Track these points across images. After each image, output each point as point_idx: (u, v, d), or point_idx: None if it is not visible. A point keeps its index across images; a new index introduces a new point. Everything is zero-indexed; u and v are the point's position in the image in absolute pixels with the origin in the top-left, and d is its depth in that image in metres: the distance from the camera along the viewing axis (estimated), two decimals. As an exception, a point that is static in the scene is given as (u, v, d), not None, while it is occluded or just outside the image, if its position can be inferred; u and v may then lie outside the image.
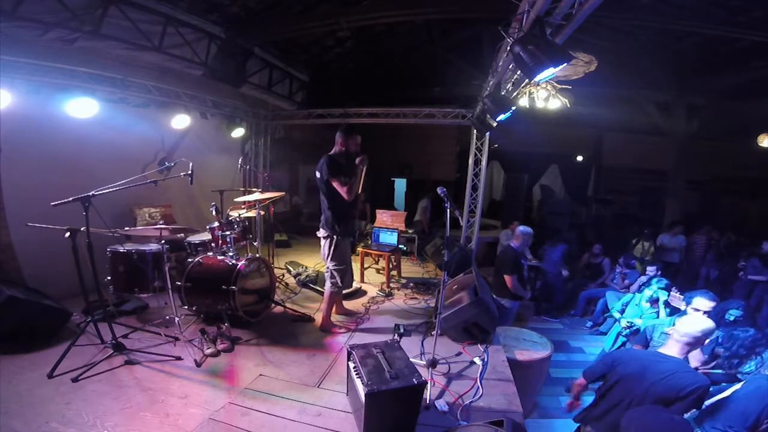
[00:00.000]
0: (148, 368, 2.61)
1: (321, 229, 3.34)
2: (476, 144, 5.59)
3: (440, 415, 2.27)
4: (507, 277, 4.16)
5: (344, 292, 4.16)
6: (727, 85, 6.42)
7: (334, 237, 3.27)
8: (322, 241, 3.36)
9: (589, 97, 6.50)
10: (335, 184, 3.11)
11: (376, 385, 1.89)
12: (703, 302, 2.97)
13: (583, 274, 6.70)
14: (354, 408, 2.21)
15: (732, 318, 3.50)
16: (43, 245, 3.17)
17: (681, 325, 2.19)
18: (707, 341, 2.27)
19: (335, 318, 3.63)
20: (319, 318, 3.64)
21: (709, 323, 2.19)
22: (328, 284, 3.38)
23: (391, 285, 4.71)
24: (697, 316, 2.44)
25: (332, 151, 3.27)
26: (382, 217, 6.20)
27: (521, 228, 4.38)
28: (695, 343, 2.16)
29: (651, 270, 5.51)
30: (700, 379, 1.96)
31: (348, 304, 3.95)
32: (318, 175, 3.21)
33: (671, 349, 2.20)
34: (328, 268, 3.36)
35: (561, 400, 4.01)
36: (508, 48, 2.47)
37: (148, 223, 4.45)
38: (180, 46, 4.19)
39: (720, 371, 2.88)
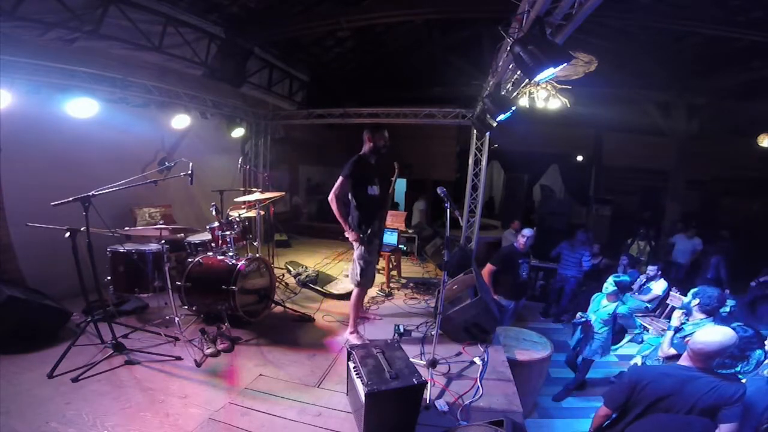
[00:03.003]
0: (148, 368, 2.61)
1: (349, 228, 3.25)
2: (476, 144, 5.59)
3: (440, 415, 2.27)
4: (488, 265, 4.16)
5: (343, 292, 4.17)
6: (727, 85, 6.42)
7: (360, 233, 3.15)
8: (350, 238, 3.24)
9: (589, 97, 6.49)
10: (337, 181, 3.03)
11: (376, 385, 1.89)
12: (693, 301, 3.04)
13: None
14: (354, 408, 2.21)
15: (728, 309, 3.45)
16: (43, 245, 3.17)
17: (698, 337, 2.03)
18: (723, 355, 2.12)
19: (336, 318, 3.65)
20: (319, 318, 3.65)
21: (726, 337, 2.00)
22: (353, 283, 3.22)
23: (391, 285, 4.71)
24: (714, 328, 2.21)
25: (363, 151, 3.21)
26: (382, 217, 6.19)
27: (527, 230, 4.33)
28: (711, 356, 1.98)
29: (651, 270, 5.51)
30: (741, 383, 1.94)
31: (348, 304, 3.94)
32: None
33: (690, 361, 2.03)
34: (354, 263, 3.19)
35: (561, 401, 4.02)
36: (508, 48, 2.47)
37: (148, 223, 4.45)
38: (180, 46, 4.20)
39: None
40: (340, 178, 3.03)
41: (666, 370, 2.12)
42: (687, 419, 1.80)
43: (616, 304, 3.76)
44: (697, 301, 2.97)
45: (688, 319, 3.03)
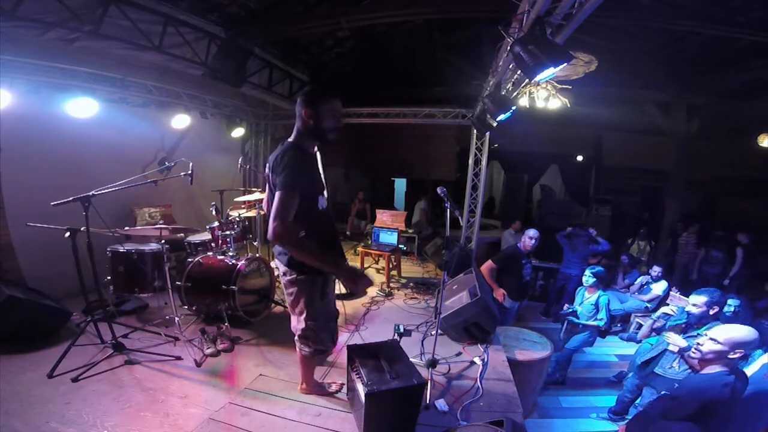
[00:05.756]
0: (148, 368, 2.61)
1: (282, 265, 2.05)
2: (476, 144, 5.59)
3: (440, 415, 2.27)
4: (489, 262, 4.16)
5: (342, 293, 3.80)
6: (727, 85, 6.41)
7: (307, 276, 2.01)
8: (288, 284, 2.08)
9: (589, 97, 6.49)
10: (279, 196, 1.77)
11: (376, 385, 1.89)
12: (695, 298, 2.95)
13: None
14: (354, 408, 2.21)
15: (732, 309, 3.45)
16: (43, 245, 3.17)
17: (722, 335, 1.99)
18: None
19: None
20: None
21: (748, 331, 1.99)
22: (299, 346, 2.21)
23: (391, 285, 4.71)
24: (734, 326, 2.15)
25: (293, 136, 2.04)
26: (382, 216, 6.20)
27: (532, 231, 4.29)
28: (735, 353, 1.97)
29: (655, 270, 5.50)
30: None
31: (347, 305, 3.93)
32: (272, 177, 1.94)
33: (721, 363, 1.99)
34: (298, 328, 2.15)
35: (561, 401, 4.02)
36: (508, 48, 2.47)
37: (148, 223, 4.45)
38: (180, 46, 4.19)
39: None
40: (282, 194, 1.77)
41: (719, 380, 1.99)
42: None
43: (596, 294, 3.91)
44: (704, 298, 2.93)
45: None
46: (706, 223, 7.34)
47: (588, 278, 3.97)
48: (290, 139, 2.04)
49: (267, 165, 2.06)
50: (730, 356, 1.95)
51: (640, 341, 3.64)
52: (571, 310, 4.08)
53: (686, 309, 3.03)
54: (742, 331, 2.00)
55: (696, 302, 2.93)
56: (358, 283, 1.92)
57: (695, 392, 2.00)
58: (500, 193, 11.85)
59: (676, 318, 3.15)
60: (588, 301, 3.92)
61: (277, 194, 1.78)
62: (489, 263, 4.17)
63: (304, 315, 2.08)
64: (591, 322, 3.89)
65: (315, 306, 2.07)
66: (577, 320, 3.99)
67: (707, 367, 2.05)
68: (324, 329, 2.14)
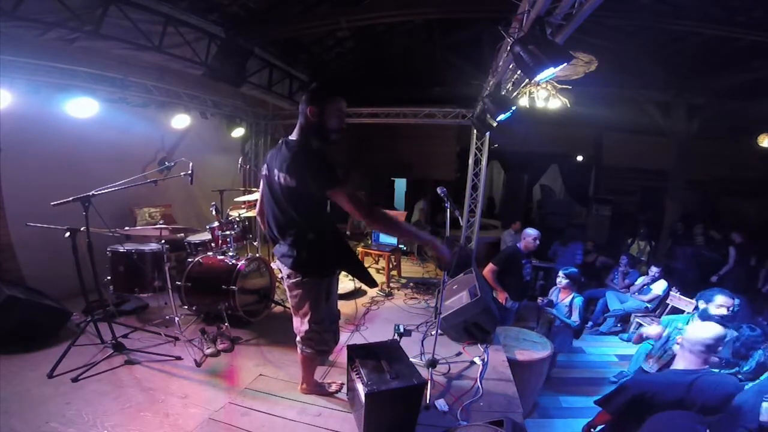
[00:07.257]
0: (148, 368, 2.61)
1: (286, 268, 2.02)
2: (476, 144, 5.59)
3: (440, 415, 2.27)
4: (490, 265, 4.16)
5: (343, 292, 3.97)
6: (727, 85, 6.41)
7: (312, 279, 2.01)
8: (292, 287, 2.06)
9: (589, 97, 6.49)
10: (341, 197, 1.79)
11: (376, 385, 1.89)
12: (722, 299, 2.93)
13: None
14: (354, 408, 2.21)
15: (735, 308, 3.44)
16: (43, 245, 3.17)
17: (691, 334, 2.07)
18: (720, 348, 2.16)
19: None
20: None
21: (719, 328, 2.08)
22: (300, 348, 2.21)
23: (391, 285, 4.70)
24: (704, 323, 2.27)
25: (298, 134, 1.94)
26: (382, 216, 6.19)
27: (533, 231, 4.30)
28: (709, 351, 2.03)
29: (655, 270, 5.50)
30: (734, 377, 2.01)
31: (347, 305, 3.94)
32: (281, 177, 1.85)
33: (688, 361, 2.05)
34: (302, 330, 2.14)
35: (561, 400, 4.02)
36: (508, 48, 2.47)
37: (148, 223, 4.45)
38: (180, 46, 4.19)
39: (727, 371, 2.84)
40: (339, 193, 1.80)
41: (669, 377, 2.08)
42: (693, 427, 1.79)
43: (571, 296, 3.93)
44: (727, 297, 2.91)
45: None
46: (707, 224, 7.35)
47: (561, 279, 3.97)
48: (293, 137, 1.96)
49: (266, 164, 2.03)
50: (690, 353, 2.01)
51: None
52: (547, 300, 4.08)
53: (711, 312, 2.98)
54: (702, 330, 2.05)
55: (722, 303, 2.91)
56: (448, 253, 2.06)
57: (639, 383, 2.06)
58: (500, 193, 11.85)
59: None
60: (562, 302, 3.92)
61: (338, 197, 1.79)
62: (490, 266, 4.17)
63: (308, 317, 2.08)
64: (565, 319, 3.90)
65: (320, 308, 2.07)
66: (552, 310, 3.99)
67: (677, 363, 2.12)
68: (328, 330, 2.16)
